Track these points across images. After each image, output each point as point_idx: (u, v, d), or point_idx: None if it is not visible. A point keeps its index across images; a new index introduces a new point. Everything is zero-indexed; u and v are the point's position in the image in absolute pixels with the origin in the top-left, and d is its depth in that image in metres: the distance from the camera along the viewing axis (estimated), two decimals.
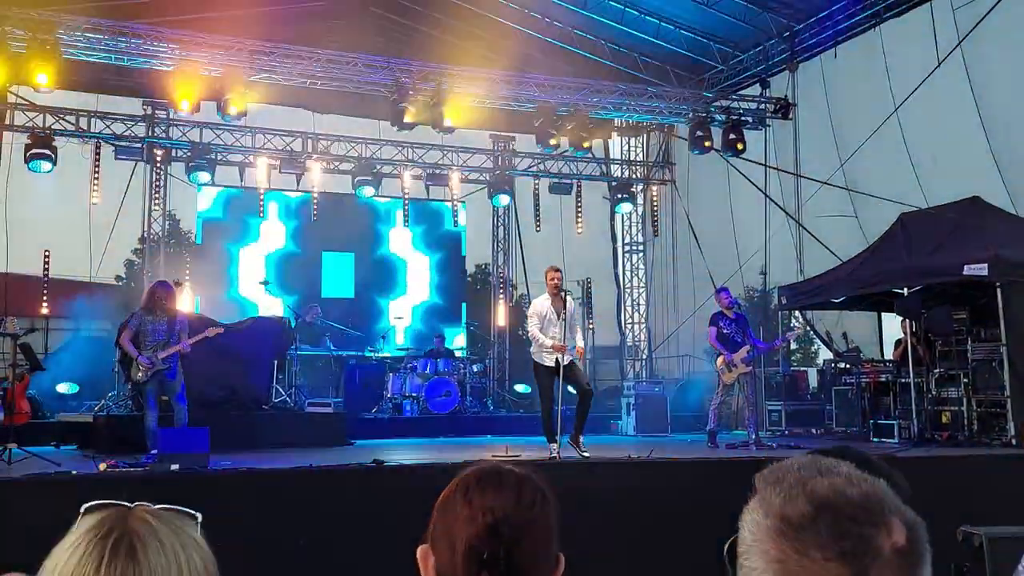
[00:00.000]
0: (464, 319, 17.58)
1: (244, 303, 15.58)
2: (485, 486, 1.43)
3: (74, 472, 6.58)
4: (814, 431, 12.65)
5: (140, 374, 8.33)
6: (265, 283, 13.68)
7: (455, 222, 17.71)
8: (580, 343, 9.26)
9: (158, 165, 15.42)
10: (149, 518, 1.11)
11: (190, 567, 1.09)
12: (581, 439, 8.78)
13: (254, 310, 15.09)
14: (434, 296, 17.44)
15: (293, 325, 12.58)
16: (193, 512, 1.18)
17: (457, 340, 17.21)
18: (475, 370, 15.14)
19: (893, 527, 1.01)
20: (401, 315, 16.69)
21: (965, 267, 9.77)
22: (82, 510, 1.14)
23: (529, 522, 1.39)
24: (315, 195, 16.22)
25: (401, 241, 17.43)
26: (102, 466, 7.15)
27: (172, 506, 1.17)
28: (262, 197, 16.06)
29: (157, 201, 15.62)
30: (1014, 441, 9.41)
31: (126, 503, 1.13)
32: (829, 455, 1.81)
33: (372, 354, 14.85)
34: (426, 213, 17.68)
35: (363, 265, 16.89)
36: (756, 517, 1.07)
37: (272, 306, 14.87)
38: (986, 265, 9.57)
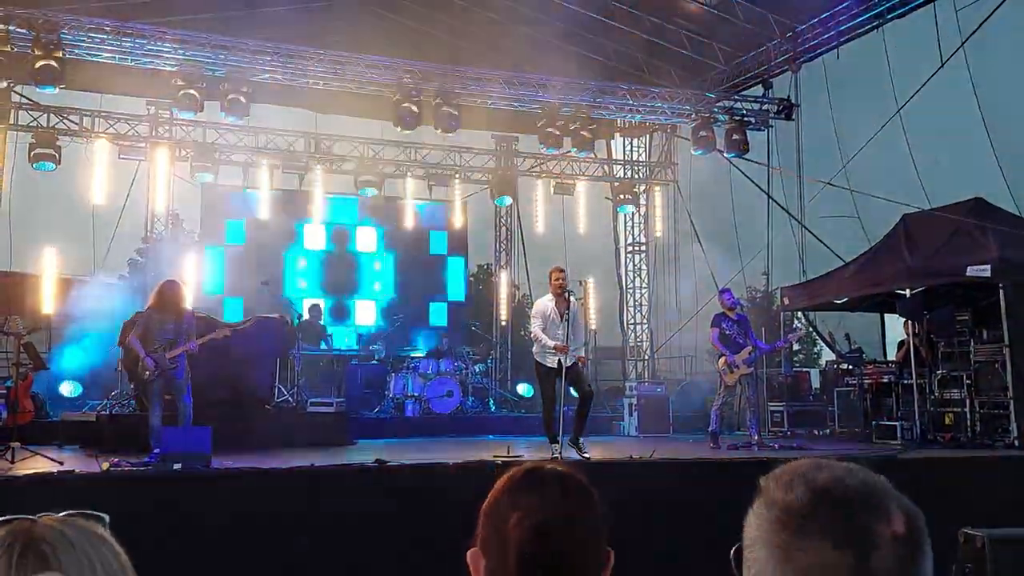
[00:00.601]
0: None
1: (246, 302, 15.56)
2: (530, 487, 1.45)
3: (77, 471, 6.59)
4: (816, 432, 12.64)
5: (147, 373, 8.33)
6: (266, 283, 13.69)
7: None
8: (582, 352, 9.27)
9: (161, 165, 15.43)
10: (54, 524, 1.09)
11: (104, 564, 1.09)
12: (581, 440, 8.79)
13: (255, 309, 15.08)
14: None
15: (295, 324, 12.58)
16: (99, 514, 1.17)
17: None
18: (477, 370, 15.15)
19: (893, 515, 1.02)
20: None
21: (968, 268, 9.77)
22: None
23: (576, 520, 1.41)
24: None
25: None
26: (105, 465, 7.15)
27: (77, 511, 1.16)
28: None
29: (160, 201, 15.63)
30: (1017, 442, 9.41)
31: (29, 516, 1.12)
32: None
33: (375, 354, 14.86)
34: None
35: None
36: (760, 511, 1.08)
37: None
38: (989, 266, 9.57)
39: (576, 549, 1.39)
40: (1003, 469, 8.39)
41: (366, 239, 17.14)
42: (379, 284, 17.10)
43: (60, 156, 13.61)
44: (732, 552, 1.22)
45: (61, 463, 7.26)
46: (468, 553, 1.46)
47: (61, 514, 1.13)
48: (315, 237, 16.73)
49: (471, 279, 19.13)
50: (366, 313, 16.86)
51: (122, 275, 16.33)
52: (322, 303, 15.23)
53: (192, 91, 12.31)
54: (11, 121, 14.09)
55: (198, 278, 15.19)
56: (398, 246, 17.24)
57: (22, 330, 9.31)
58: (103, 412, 11.34)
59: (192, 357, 8.66)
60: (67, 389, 13.39)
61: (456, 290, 17.73)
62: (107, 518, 1.16)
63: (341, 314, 16.50)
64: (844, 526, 1.00)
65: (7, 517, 1.11)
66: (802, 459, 1.14)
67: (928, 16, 12.15)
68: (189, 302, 9.64)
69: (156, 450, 7.78)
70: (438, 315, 17.38)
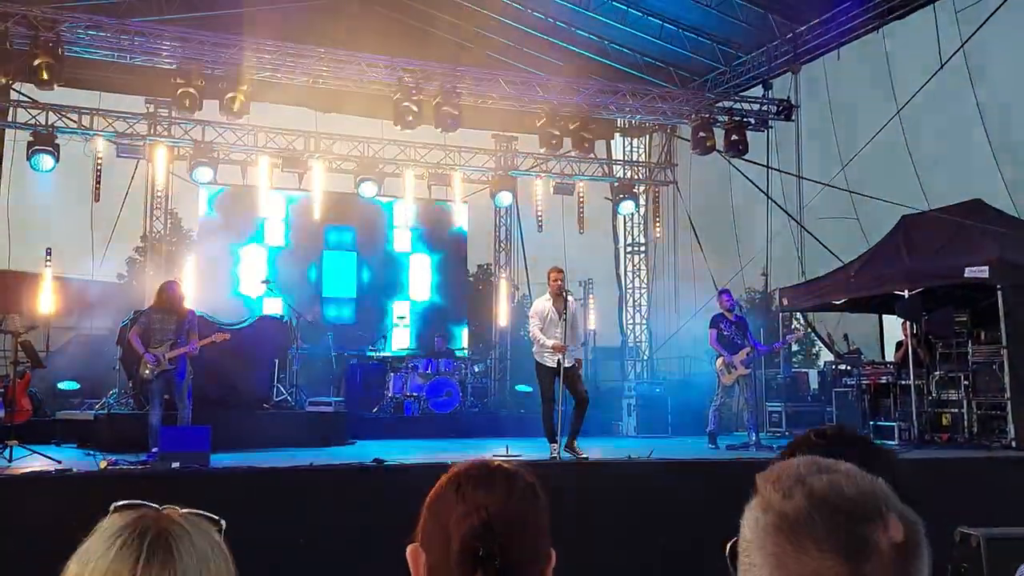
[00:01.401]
0: (467, 319, 17.54)
1: (247, 301, 15.56)
2: (476, 483, 1.43)
3: (75, 470, 6.60)
4: None
5: (147, 372, 8.34)
6: (267, 282, 13.69)
7: (457, 222, 17.67)
8: (579, 354, 9.28)
9: (160, 163, 15.42)
10: (180, 519, 1.14)
11: (217, 569, 1.12)
12: (576, 443, 8.79)
13: (256, 309, 15.09)
14: (435, 296, 17.41)
15: (295, 324, 12.58)
16: (218, 519, 1.21)
17: (461, 341, 17.14)
18: (476, 370, 15.15)
19: (890, 524, 1.01)
20: (403, 315, 16.67)
21: (966, 269, 9.78)
22: (111, 508, 1.16)
23: (521, 517, 1.40)
24: (317, 194, 16.20)
25: (403, 241, 17.38)
26: (103, 464, 7.16)
27: (200, 512, 1.20)
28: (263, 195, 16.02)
29: (159, 199, 15.63)
30: (1014, 443, 9.42)
31: (155, 504, 1.16)
32: (826, 435, 1.81)
33: (374, 354, 14.85)
34: (428, 213, 17.61)
35: (366, 265, 16.87)
36: (756, 514, 1.07)
37: (273, 306, 14.85)
38: (987, 267, 9.58)
39: (519, 546, 1.37)
40: (1000, 470, 8.41)
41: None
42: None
43: (59, 154, 13.60)
44: (728, 547, 1.22)
45: (59, 462, 7.26)
46: (408, 548, 1.44)
47: (185, 510, 1.15)
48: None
49: (471, 279, 19.12)
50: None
51: (120, 274, 16.34)
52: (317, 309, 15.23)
53: (191, 89, 12.30)
54: (9, 119, 14.08)
55: (198, 277, 15.19)
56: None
57: (20, 328, 9.30)
58: (101, 411, 11.34)
59: (192, 357, 8.66)
60: (65, 388, 13.39)
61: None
62: (224, 523, 1.19)
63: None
64: (841, 535, 1.00)
65: (132, 502, 1.14)
66: (799, 458, 1.13)
67: (928, 17, 12.16)
68: (190, 302, 9.64)
69: (154, 449, 7.78)
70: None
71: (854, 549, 0.99)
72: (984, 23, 11.08)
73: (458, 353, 15.56)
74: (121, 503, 1.17)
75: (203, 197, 16.05)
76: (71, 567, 1.08)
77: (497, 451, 8.81)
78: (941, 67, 11.61)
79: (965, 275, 9.81)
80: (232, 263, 15.99)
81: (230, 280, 15.81)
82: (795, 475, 1.08)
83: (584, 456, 8.56)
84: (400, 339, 16.27)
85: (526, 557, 1.39)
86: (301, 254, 16.41)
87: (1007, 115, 11.65)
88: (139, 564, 1.06)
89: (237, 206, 16.16)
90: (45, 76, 11.40)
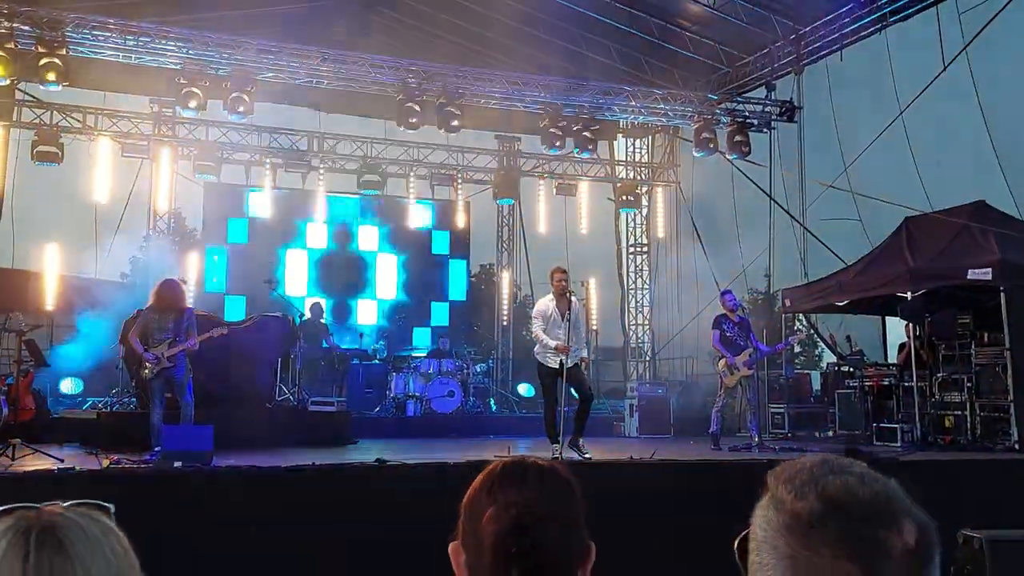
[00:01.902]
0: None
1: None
2: (509, 480, 1.44)
3: (78, 468, 6.60)
4: (817, 434, 12.64)
5: (147, 371, 8.35)
6: (269, 282, 13.71)
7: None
8: (584, 353, 9.28)
9: (164, 163, 15.43)
10: (64, 512, 1.11)
11: (115, 552, 1.10)
12: (581, 441, 8.80)
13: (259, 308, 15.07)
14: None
15: (297, 323, 12.59)
16: (104, 504, 1.19)
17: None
18: (478, 370, 15.16)
19: (904, 527, 1.01)
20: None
21: (969, 271, 9.77)
22: None
23: (554, 514, 1.40)
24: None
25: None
26: (105, 462, 7.17)
27: (82, 501, 1.18)
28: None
29: (163, 199, 15.64)
30: (1017, 445, 9.41)
31: (33, 504, 1.13)
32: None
33: (376, 354, 14.86)
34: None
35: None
36: (768, 513, 1.07)
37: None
38: (990, 269, 9.57)
39: (554, 543, 1.37)
40: (1003, 472, 8.39)
41: (368, 238, 17.14)
42: (381, 283, 17.12)
43: (63, 153, 13.63)
44: (736, 543, 1.21)
45: (62, 460, 7.27)
46: (450, 546, 1.45)
47: (66, 503, 1.14)
48: (317, 236, 16.72)
49: (473, 279, 19.13)
50: (368, 313, 16.86)
51: (124, 273, 16.35)
52: (323, 302, 15.21)
53: (195, 89, 12.32)
54: (14, 118, 14.11)
55: (199, 276, 15.20)
56: (401, 246, 17.25)
57: (23, 327, 9.31)
58: (104, 409, 11.36)
59: (194, 355, 8.67)
60: (68, 386, 13.41)
61: (457, 290, 17.73)
62: (112, 508, 1.17)
63: (343, 314, 16.52)
64: (854, 537, 0.99)
65: (11, 506, 1.12)
66: (811, 456, 1.13)
67: (931, 19, 12.14)
68: (190, 300, 9.65)
69: (157, 448, 7.79)
70: (440, 315, 17.38)
71: (868, 553, 0.99)
72: (987, 25, 11.07)
73: (460, 352, 15.51)
74: (1, 508, 1.14)
75: (207, 197, 16.06)
76: None
77: (499, 451, 8.80)
78: (944, 69, 11.59)
79: (968, 277, 9.79)
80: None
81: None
82: (808, 475, 1.07)
83: (588, 456, 8.56)
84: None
85: (561, 553, 1.39)
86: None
87: (1010, 116, 11.63)
88: (29, 560, 1.03)
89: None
90: (50, 76, 11.43)
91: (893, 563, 0.99)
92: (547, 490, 1.43)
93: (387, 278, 17.15)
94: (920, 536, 1.02)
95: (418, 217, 17.31)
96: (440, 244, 17.56)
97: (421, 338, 16.64)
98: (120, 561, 1.09)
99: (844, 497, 1.03)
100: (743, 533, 1.14)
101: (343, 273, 16.69)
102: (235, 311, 14.99)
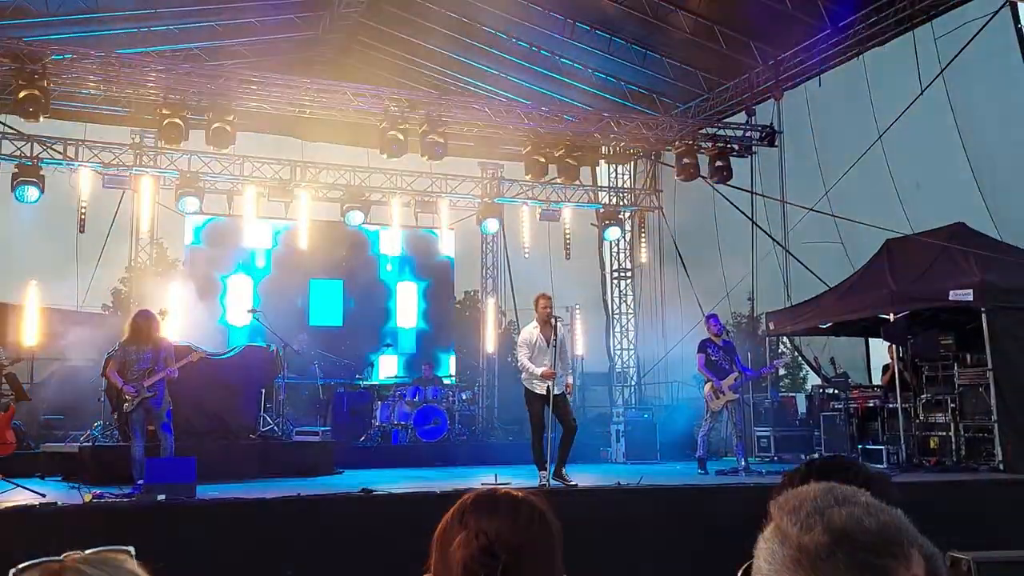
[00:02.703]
0: (453, 345, 17.53)
1: (232, 331, 15.52)
2: (480, 509, 1.43)
3: (60, 503, 6.53)
4: (803, 457, 12.64)
5: (126, 404, 8.30)
6: (253, 311, 13.64)
7: (444, 249, 17.69)
8: (569, 379, 9.28)
9: (146, 194, 15.36)
10: (81, 565, 1.09)
11: None
12: (564, 471, 8.76)
13: (242, 338, 15.02)
14: (421, 323, 17.39)
15: (281, 353, 12.53)
16: (126, 548, 1.17)
17: (448, 368, 17.11)
18: (464, 398, 15.10)
19: (912, 559, 0.99)
20: (390, 342, 16.62)
21: (951, 293, 9.85)
22: (11, 573, 1.12)
23: (526, 543, 1.39)
24: (304, 223, 16.18)
25: (390, 269, 17.36)
26: (87, 497, 7.08)
27: (103, 548, 1.16)
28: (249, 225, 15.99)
29: (144, 230, 15.58)
30: (1001, 466, 9.44)
31: (56, 558, 1.12)
32: (826, 465, 1.81)
33: (361, 382, 14.79)
34: (414, 241, 17.64)
35: (352, 293, 16.84)
36: (773, 546, 1.05)
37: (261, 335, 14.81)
38: (971, 291, 9.65)
39: (524, 572, 1.36)
40: (988, 492, 8.42)
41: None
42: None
43: (44, 185, 13.55)
44: (740, 572, 1.20)
45: (43, 495, 7.18)
46: None
47: (88, 551, 1.12)
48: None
49: (457, 306, 19.11)
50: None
51: (106, 305, 16.25)
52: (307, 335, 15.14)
53: (177, 120, 12.32)
54: None
55: (185, 307, 15.12)
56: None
57: (4, 361, 9.24)
58: (86, 444, 11.23)
59: (177, 387, 8.61)
60: (49, 420, 13.25)
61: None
62: (132, 550, 1.16)
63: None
64: (862, 571, 0.98)
65: (35, 561, 1.10)
66: (815, 485, 1.11)
67: (907, 44, 12.30)
68: (177, 332, 9.60)
69: (140, 481, 7.71)
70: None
71: None
72: (963, 49, 11.23)
73: (445, 380, 15.50)
74: (22, 565, 1.11)
75: (189, 227, 16.03)
76: None
77: (485, 479, 8.76)
78: (921, 93, 11.74)
79: (950, 298, 9.87)
80: (220, 292, 15.95)
81: (217, 310, 15.74)
82: (812, 506, 1.05)
83: (573, 483, 8.53)
84: (388, 367, 16.20)
85: None
86: (288, 283, 16.36)
87: (987, 138, 11.78)
88: None
89: (224, 236, 16.15)
90: (31, 108, 11.39)
91: None
92: (520, 519, 1.42)
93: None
94: (928, 567, 1.00)
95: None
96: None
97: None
98: None
99: (851, 528, 1.01)
100: (745, 565, 1.13)
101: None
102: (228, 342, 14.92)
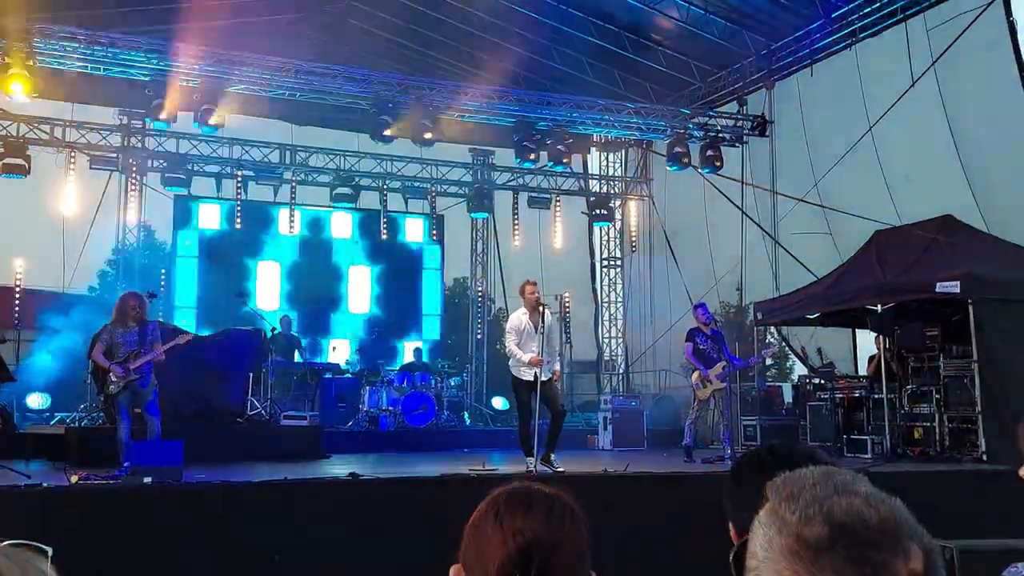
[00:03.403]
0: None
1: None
2: (515, 507, 1.43)
3: (45, 485, 6.50)
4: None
5: (112, 386, 8.26)
6: (240, 295, 13.59)
7: (432, 236, 17.62)
8: (556, 365, 9.28)
9: (133, 175, 15.27)
10: None
11: None
12: (552, 456, 8.78)
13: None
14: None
15: (269, 337, 12.51)
16: (43, 547, 1.14)
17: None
18: (452, 384, 15.11)
19: (911, 553, 0.99)
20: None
21: (937, 284, 9.87)
22: None
23: (560, 541, 1.40)
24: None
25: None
26: (73, 479, 7.05)
27: (20, 541, 1.13)
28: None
29: (132, 212, 15.49)
30: (984, 457, 9.50)
31: None
32: (775, 452, 1.81)
33: (348, 369, 14.78)
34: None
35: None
36: (770, 533, 1.04)
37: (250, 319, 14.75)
38: (958, 282, 9.68)
39: (559, 571, 1.37)
40: (971, 483, 8.48)
41: (345, 251, 17.11)
42: (357, 296, 17.07)
43: (30, 166, 13.46)
44: (732, 555, 1.19)
45: (28, 476, 7.15)
46: (451, 569, 1.45)
47: (3, 543, 1.09)
48: (291, 248, 16.63)
49: (447, 292, 19.11)
50: (344, 326, 16.79)
51: (92, 287, 16.17)
52: (293, 317, 15.09)
53: (165, 101, 12.24)
54: None
55: (169, 290, 15.08)
56: (377, 259, 17.23)
57: None
58: (71, 425, 11.20)
59: (164, 370, 8.58)
60: (35, 402, 13.21)
61: (432, 303, 17.71)
62: (50, 551, 1.13)
63: (318, 327, 16.45)
64: (862, 564, 0.97)
65: None
66: (811, 473, 1.09)
67: (899, 35, 12.32)
68: (153, 313, 9.55)
69: (126, 463, 7.68)
70: (417, 328, 17.39)
71: None
72: (955, 41, 11.25)
73: (433, 366, 15.45)
74: None
75: (182, 210, 15.93)
76: None
77: (474, 465, 8.77)
78: (912, 84, 11.76)
79: (936, 290, 9.90)
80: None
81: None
82: (811, 495, 1.04)
83: (560, 470, 8.54)
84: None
85: None
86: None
87: (976, 130, 11.81)
88: None
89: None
90: (17, 87, 11.30)
91: None
92: (554, 517, 1.42)
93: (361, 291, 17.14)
94: (927, 561, 0.99)
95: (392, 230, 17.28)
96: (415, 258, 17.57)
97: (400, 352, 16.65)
98: None
99: (852, 521, 1.00)
100: (737, 545, 1.12)
101: (319, 286, 16.60)
102: (208, 326, 14.84)
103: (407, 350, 16.27)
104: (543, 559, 1.36)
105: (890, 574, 0.98)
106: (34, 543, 1.11)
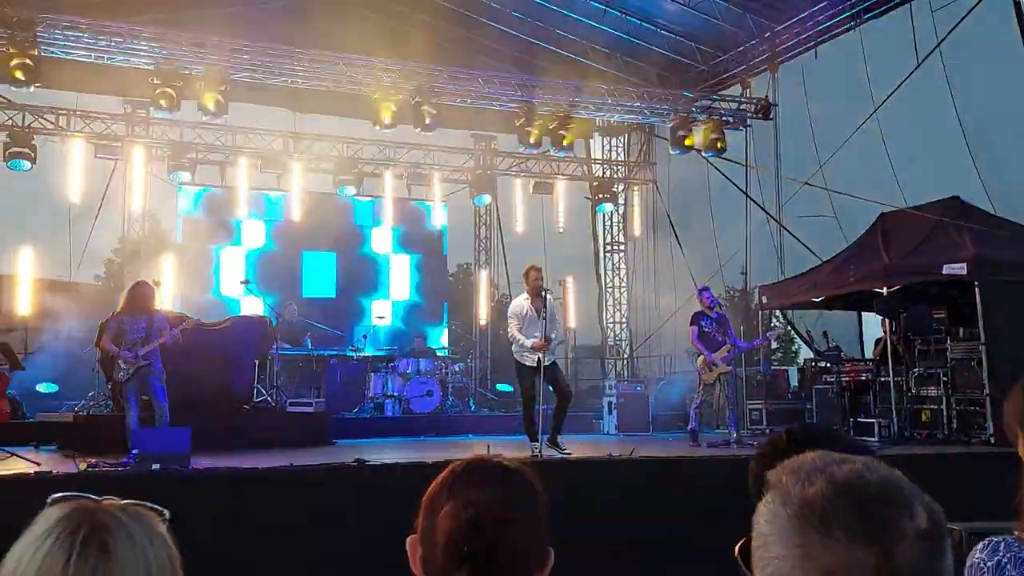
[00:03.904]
0: (446, 318, 17.53)
1: (227, 302, 15.48)
2: (470, 479, 1.41)
3: (54, 472, 6.54)
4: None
5: (121, 372, 8.31)
6: (246, 283, 13.61)
7: (436, 221, 17.62)
8: (559, 351, 9.27)
9: (138, 164, 15.27)
10: (118, 512, 1.10)
11: (158, 563, 1.09)
12: (559, 438, 8.81)
13: (236, 309, 15.00)
14: (414, 295, 17.35)
15: (275, 324, 12.53)
16: (161, 509, 1.17)
17: (440, 340, 17.11)
18: (457, 369, 15.14)
19: (916, 510, 1.00)
20: (383, 315, 16.60)
21: (944, 266, 9.86)
22: (48, 501, 1.12)
23: (513, 516, 1.36)
24: (297, 194, 16.11)
25: (383, 241, 17.31)
26: (82, 466, 7.10)
27: (140, 502, 1.16)
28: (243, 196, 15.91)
29: (137, 200, 15.50)
30: (992, 439, 9.50)
31: (93, 496, 1.12)
32: (807, 435, 1.82)
33: (353, 354, 14.80)
34: (407, 212, 17.54)
35: (345, 264, 16.79)
36: (774, 507, 1.04)
37: (253, 306, 14.76)
38: (965, 264, 9.66)
39: (509, 546, 1.34)
40: (979, 465, 8.48)
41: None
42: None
43: (36, 155, 13.47)
44: (737, 548, 1.18)
45: (38, 464, 7.19)
46: (407, 540, 1.43)
47: (126, 501, 1.12)
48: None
49: (451, 278, 19.11)
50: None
51: (98, 275, 16.20)
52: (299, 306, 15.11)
53: (169, 90, 12.24)
54: None
55: (178, 278, 15.09)
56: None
57: None
58: (80, 413, 11.23)
59: (171, 357, 8.61)
60: (44, 390, 13.26)
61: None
62: (168, 514, 1.16)
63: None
64: (868, 521, 0.98)
65: (67, 494, 1.11)
66: (810, 454, 1.10)
67: (904, 17, 12.25)
68: (160, 302, 9.58)
69: (134, 451, 7.72)
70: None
71: (883, 534, 0.98)
72: (960, 22, 11.18)
73: (438, 352, 15.50)
74: (59, 495, 1.13)
75: (186, 197, 15.94)
76: (6, 563, 1.05)
77: (478, 450, 8.79)
78: (918, 66, 11.70)
79: (943, 272, 9.88)
80: (213, 264, 15.89)
81: (210, 281, 15.71)
82: (813, 466, 1.05)
83: (567, 452, 8.57)
84: (379, 339, 16.15)
85: (516, 556, 1.36)
86: (280, 254, 16.30)
87: (983, 113, 11.76)
88: (71, 562, 1.02)
89: (218, 207, 16.06)
90: (21, 77, 11.30)
91: (907, 546, 0.97)
92: (509, 491, 1.40)
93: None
94: (931, 518, 1.01)
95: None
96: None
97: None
98: (162, 573, 1.08)
99: (854, 481, 1.01)
100: (745, 539, 1.11)
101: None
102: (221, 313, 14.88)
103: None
104: (495, 533, 1.33)
105: (897, 529, 0.98)
106: (153, 505, 1.15)
